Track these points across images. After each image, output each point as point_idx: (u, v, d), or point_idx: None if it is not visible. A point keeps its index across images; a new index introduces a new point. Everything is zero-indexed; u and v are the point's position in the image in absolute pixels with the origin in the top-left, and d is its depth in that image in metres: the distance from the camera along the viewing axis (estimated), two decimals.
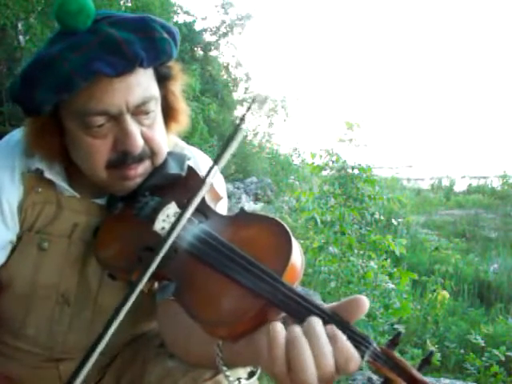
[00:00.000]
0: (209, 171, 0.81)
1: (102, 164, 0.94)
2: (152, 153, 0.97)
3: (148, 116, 0.95)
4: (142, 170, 0.97)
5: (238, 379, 0.77)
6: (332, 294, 3.67)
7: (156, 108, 0.97)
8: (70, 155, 0.99)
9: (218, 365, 0.76)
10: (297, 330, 0.66)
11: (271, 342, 0.65)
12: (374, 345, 0.65)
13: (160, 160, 0.99)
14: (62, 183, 1.02)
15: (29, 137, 0.98)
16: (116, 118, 0.91)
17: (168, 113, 1.04)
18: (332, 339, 0.65)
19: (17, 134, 1.05)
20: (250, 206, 8.15)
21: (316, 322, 0.66)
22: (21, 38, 6.43)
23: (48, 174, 1.00)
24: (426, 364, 0.65)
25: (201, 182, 0.81)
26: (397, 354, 0.65)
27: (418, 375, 0.63)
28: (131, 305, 0.84)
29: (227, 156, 0.81)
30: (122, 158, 0.94)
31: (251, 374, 0.80)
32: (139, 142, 0.93)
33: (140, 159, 0.95)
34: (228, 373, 0.76)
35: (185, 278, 0.79)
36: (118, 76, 0.88)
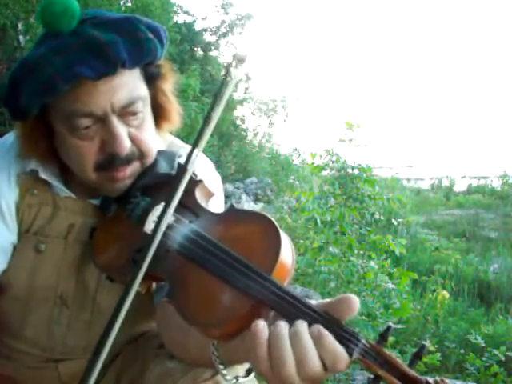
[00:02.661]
0: (188, 157, 0.78)
1: (91, 166, 0.94)
2: (141, 154, 0.96)
3: (136, 117, 0.94)
4: (130, 171, 0.96)
5: (236, 377, 0.77)
6: (332, 294, 3.67)
7: (144, 108, 0.96)
8: (61, 157, 0.99)
9: (215, 363, 0.76)
10: (279, 330, 0.65)
11: (254, 341, 0.65)
12: (364, 341, 0.64)
13: (149, 161, 0.99)
14: (57, 183, 1.02)
15: (19, 140, 0.98)
16: (102, 120, 0.91)
17: (158, 112, 1.03)
18: (318, 340, 0.64)
19: (11, 137, 1.04)
20: (250, 206, 8.15)
21: (300, 325, 0.65)
22: (21, 37, 6.44)
23: (43, 175, 1.00)
24: (417, 359, 0.64)
25: (183, 170, 0.78)
26: (386, 350, 0.64)
27: (409, 370, 0.62)
28: (130, 306, 0.83)
29: (209, 132, 0.79)
30: (110, 160, 0.93)
31: (249, 372, 0.80)
32: (126, 144, 0.92)
33: (128, 161, 0.94)
34: (225, 371, 0.76)
35: (177, 278, 0.79)
36: (99, 78, 0.87)
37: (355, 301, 0.66)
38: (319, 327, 0.65)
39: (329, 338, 0.64)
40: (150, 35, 0.93)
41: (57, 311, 1.04)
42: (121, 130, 0.91)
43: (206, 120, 0.79)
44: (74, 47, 0.87)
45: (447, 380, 0.62)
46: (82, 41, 0.88)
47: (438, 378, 0.61)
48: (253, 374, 0.80)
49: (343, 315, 0.66)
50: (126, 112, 0.92)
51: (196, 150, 0.80)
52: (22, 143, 0.98)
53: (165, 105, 1.03)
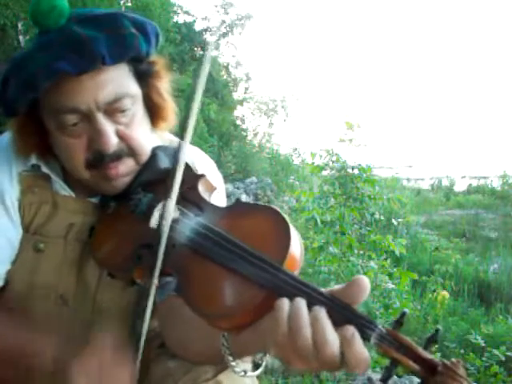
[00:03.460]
0: (179, 146, 0.79)
1: (82, 164, 0.94)
2: (131, 151, 0.96)
3: (124, 114, 0.94)
4: (124, 168, 0.95)
5: (244, 371, 0.77)
6: None
7: (134, 106, 0.95)
8: (56, 154, 0.99)
9: (224, 355, 0.76)
10: (299, 303, 0.66)
11: (276, 309, 0.66)
12: (380, 327, 0.65)
13: (143, 158, 0.98)
14: (58, 179, 1.02)
15: (13, 137, 0.99)
16: (88, 117, 0.91)
17: (153, 110, 1.03)
18: (348, 342, 0.64)
19: (8, 135, 1.04)
20: None
21: (319, 311, 0.65)
22: (21, 38, 6.44)
23: (45, 169, 1.01)
24: (431, 342, 0.65)
25: (175, 160, 0.78)
26: (401, 335, 0.65)
27: (425, 353, 0.63)
28: (131, 306, 0.83)
29: (193, 121, 0.78)
30: (99, 158, 0.93)
31: (256, 367, 0.80)
32: (111, 141, 0.92)
33: (117, 157, 0.94)
34: (234, 363, 0.76)
35: (185, 272, 0.79)
36: (80, 74, 0.88)
37: (365, 281, 0.66)
38: (350, 328, 0.64)
39: (359, 341, 0.64)
40: (134, 30, 0.92)
41: (57, 310, 1.04)
42: (106, 126, 0.91)
43: (190, 103, 0.79)
44: (56, 43, 0.88)
45: (462, 362, 0.62)
46: (64, 37, 0.88)
47: (454, 360, 0.62)
48: (260, 369, 0.80)
49: (357, 298, 0.66)
50: (113, 109, 0.92)
51: (183, 142, 0.79)
52: (15, 141, 0.98)
53: (159, 103, 1.03)
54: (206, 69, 0.77)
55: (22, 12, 5.92)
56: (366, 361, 0.64)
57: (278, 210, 0.77)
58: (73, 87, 0.89)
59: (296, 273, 0.73)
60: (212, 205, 0.90)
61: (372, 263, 3.77)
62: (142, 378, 1.00)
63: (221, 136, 10.93)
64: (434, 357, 0.63)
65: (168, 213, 0.76)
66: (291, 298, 0.68)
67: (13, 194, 1.00)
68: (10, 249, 1.01)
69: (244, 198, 8.60)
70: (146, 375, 1.00)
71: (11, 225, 1.00)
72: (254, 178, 10.08)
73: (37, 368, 0.89)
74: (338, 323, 0.65)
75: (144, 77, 0.98)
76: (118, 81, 0.92)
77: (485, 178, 12.14)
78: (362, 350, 0.64)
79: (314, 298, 0.67)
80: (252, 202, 0.91)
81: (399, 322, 0.65)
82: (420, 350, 0.63)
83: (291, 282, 0.68)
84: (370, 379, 2.44)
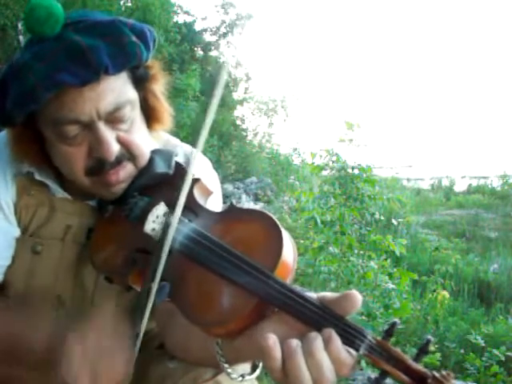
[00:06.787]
0: (188, 162, 0.79)
1: (81, 171, 0.93)
2: (132, 156, 0.95)
3: (124, 121, 0.93)
4: (123, 174, 0.95)
5: (242, 375, 0.77)
6: None
7: (132, 112, 0.95)
8: (53, 162, 0.98)
9: (220, 362, 0.76)
10: (293, 344, 0.66)
11: (267, 357, 0.66)
12: (369, 337, 0.65)
13: (142, 162, 0.97)
14: (53, 185, 1.02)
15: (10, 144, 0.98)
16: (89, 126, 0.90)
17: (149, 113, 1.02)
18: (327, 344, 0.65)
19: (4, 137, 1.03)
20: (250, 206, 8.13)
21: (314, 338, 0.65)
22: (21, 37, 6.44)
23: (39, 177, 1.00)
24: (422, 353, 0.64)
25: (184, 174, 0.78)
26: (391, 346, 0.65)
27: (414, 365, 0.63)
28: (130, 307, 0.83)
29: (205, 133, 0.77)
30: (99, 165, 0.92)
31: (254, 368, 0.80)
32: (113, 149, 0.91)
33: (118, 162, 0.93)
34: (230, 369, 0.76)
35: (178, 278, 0.79)
36: (83, 85, 0.86)
37: (358, 297, 0.67)
38: (331, 331, 0.65)
39: (338, 342, 0.65)
40: (135, 38, 0.91)
41: (54, 313, 1.04)
42: (108, 135, 0.90)
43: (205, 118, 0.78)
44: (55, 53, 0.86)
45: (452, 374, 0.62)
46: (64, 46, 0.86)
47: (444, 372, 0.62)
48: (258, 371, 0.79)
49: (347, 312, 0.67)
50: (114, 118, 0.91)
51: (195, 152, 0.78)
52: (12, 148, 0.97)
53: (155, 106, 1.02)
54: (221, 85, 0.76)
55: (22, 12, 5.93)
56: (348, 363, 0.65)
57: (271, 215, 0.77)
58: (73, 98, 0.87)
59: (290, 278, 0.73)
60: (206, 210, 0.89)
61: (372, 263, 3.78)
62: (141, 379, 1.01)
63: (221, 136, 10.93)
64: (433, 357, 0.63)
65: (172, 223, 0.76)
66: (280, 306, 0.69)
67: (7, 195, 1.00)
68: (7, 244, 1.00)
69: (244, 198, 8.60)
70: (145, 376, 1.00)
71: (8, 224, 1.00)
72: (253, 178, 10.08)
73: (33, 353, 0.88)
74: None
75: (141, 81, 0.98)
76: (118, 89, 0.91)
77: (485, 178, 12.13)
78: (341, 351, 0.65)
79: (303, 306, 0.67)
80: (246, 206, 0.91)
81: (389, 333, 0.65)
82: (410, 361, 0.63)
83: (280, 290, 0.69)
84: (369, 379, 2.45)
